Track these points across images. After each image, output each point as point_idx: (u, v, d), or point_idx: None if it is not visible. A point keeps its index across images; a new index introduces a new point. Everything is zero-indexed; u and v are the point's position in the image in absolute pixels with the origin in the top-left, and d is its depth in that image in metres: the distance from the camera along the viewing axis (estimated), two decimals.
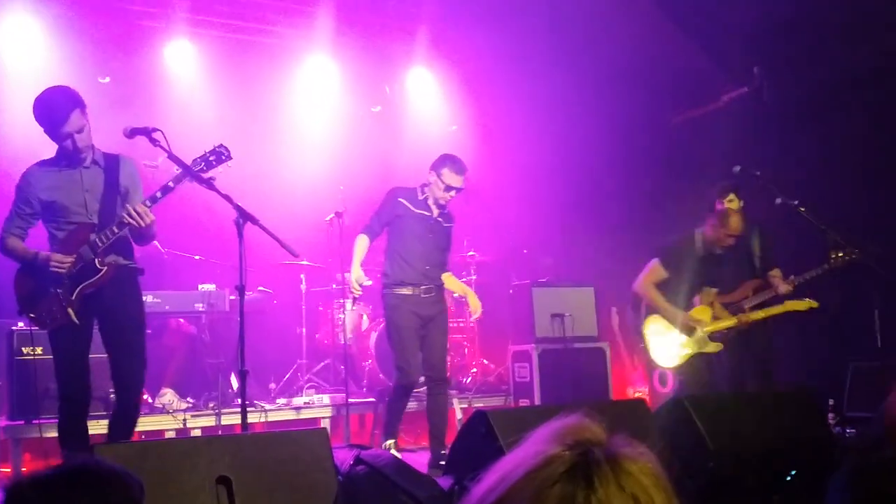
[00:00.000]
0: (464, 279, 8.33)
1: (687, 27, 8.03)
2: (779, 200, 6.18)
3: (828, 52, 7.00)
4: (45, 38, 7.71)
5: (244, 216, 4.18)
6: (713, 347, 6.02)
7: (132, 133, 4.24)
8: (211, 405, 6.66)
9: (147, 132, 4.22)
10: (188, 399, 6.80)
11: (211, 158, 4.34)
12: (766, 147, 7.52)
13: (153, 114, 7.05)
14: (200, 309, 6.78)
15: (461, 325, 8.37)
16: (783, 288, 6.06)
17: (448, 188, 5.72)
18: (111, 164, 4.47)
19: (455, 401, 7.52)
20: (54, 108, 4.25)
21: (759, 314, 6.02)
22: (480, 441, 3.79)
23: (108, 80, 7.83)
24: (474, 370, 8.24)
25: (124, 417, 4.47)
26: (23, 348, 5.85)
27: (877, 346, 5.88)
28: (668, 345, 6.10)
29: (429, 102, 9.74)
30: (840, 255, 5.85)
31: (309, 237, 7.51)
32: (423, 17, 8.83)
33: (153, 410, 6.61)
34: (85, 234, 4.32)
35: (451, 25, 8.96)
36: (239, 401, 4.49)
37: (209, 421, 6.44)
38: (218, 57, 8.49)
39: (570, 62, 8.39)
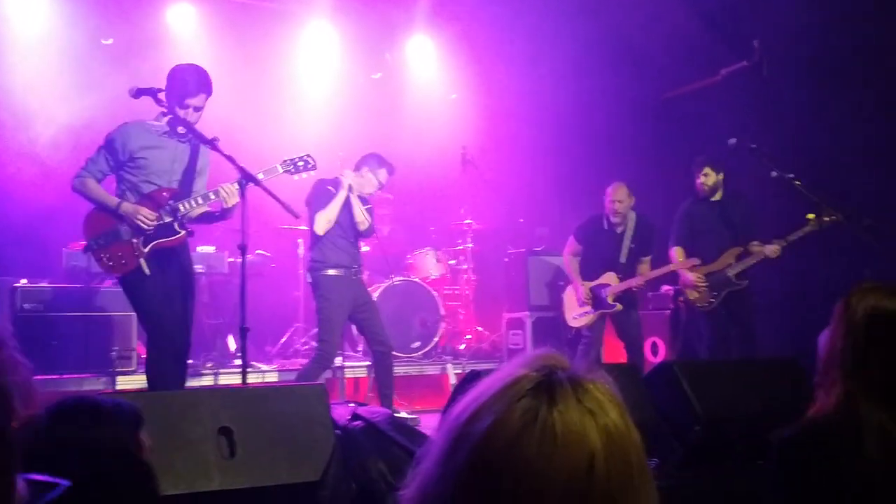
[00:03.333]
0: (460, 247, 8.43)
1: None
2: (774, 174, 6.25)
3: (828, 27, 7.03)
4: (48, 0, 7.73)
5: (246, 177, 4.26)
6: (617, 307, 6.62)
7: (138, 93, 4.34)
8: (209, 365, 6.76)
9: (152, 92, 4.35)
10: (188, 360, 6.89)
11: (299, 164, 4.84)
12: (764, 122, 7.57)
13: (155, 75, 7.06)
14: (199, 270, 6.82)
15: (456, 292, 8.46)
16: (770, 250, 6.23)
17: (381, 185, 6.04)
18: (196, 145, 4.71)
19: (450, 366, 7.64)
20: (193, 80, 4.55)
21: (651, 274, 6.65)
22: None
23: (111, 41, 7.87)
24: (469, 337, 8.35)
25: (179, 364, 4.63)
26: (24, 304, 5.94)
27: None
28: (576, 308, 6.85)
29: (429, 70, 9.77)
30: (823, 217, 6.04)
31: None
32: None
33: None
34: (165, 197, 4.54)
35: None
36: (237, 361, 4.61)
37: (207, 381, 6.53)
38: (219, 20, 8.50)
39: (571, 32, 8.40)
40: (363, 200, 6.06)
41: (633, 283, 6.59)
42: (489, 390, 1.04)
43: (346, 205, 5.83)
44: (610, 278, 6.64)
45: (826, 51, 7.18)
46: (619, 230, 6.71)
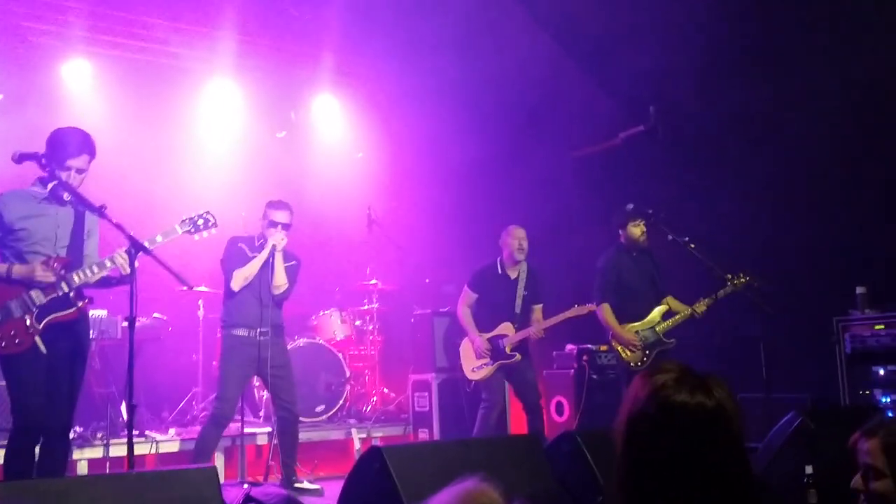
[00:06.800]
0: (366, 307, 8.33)
1: (586, 66, 8.28)
2: (670, 237, 6.41)
3: (720, 92, 7.30)
4: None
5: (136, 246, 4.10)
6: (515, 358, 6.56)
7: (20, 158, 4.16)
8: (99, 435, 6.44)
9: (36, 157, 4.18)
10: (76, 428, 6.55)
11: (199, 222, 4.68)
12: (661, 183, 7.78)
13: (48, 133, 6.83)
14: (91, 336, 6.54)
15: (362, 353, 8.34)
16: (699, 308, 6.31)
17: (272, 224, 5.94)
18: (80, 205, 4.44)
19: (354, 430, 7.49)
20: (75, 141, 4.36)
21: (547, 322, 6.56)
22: (375, 476, 3.78)
23: (1, 97, 7.57)
24: (374, 399, 8.22)
25: (52, 452, 4.29)
26: None
27: (762, 378, 6.13)
28: (474, 361, 6.74)
29: (335, 129, 9.75)
30: (741, 279, 6.16)
31: (208, 262, 7.37)
32: (327, 43, 8.82)
33: None
34: (56, 268, 4.26)
35: (356, 53, 8.99)
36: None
37: (97, 452, 6.23)
38: (117, 77, 8.28)
39: (475, 94, 8.51)
40: (289, 256, 6.01)
41: (531, 331, 6.54)
42: None
43: (268, 265, 5.81)
44: (507, 328, 6.63)
45: (719, 115, 7.46)
46: (513, 276, 6.70)
